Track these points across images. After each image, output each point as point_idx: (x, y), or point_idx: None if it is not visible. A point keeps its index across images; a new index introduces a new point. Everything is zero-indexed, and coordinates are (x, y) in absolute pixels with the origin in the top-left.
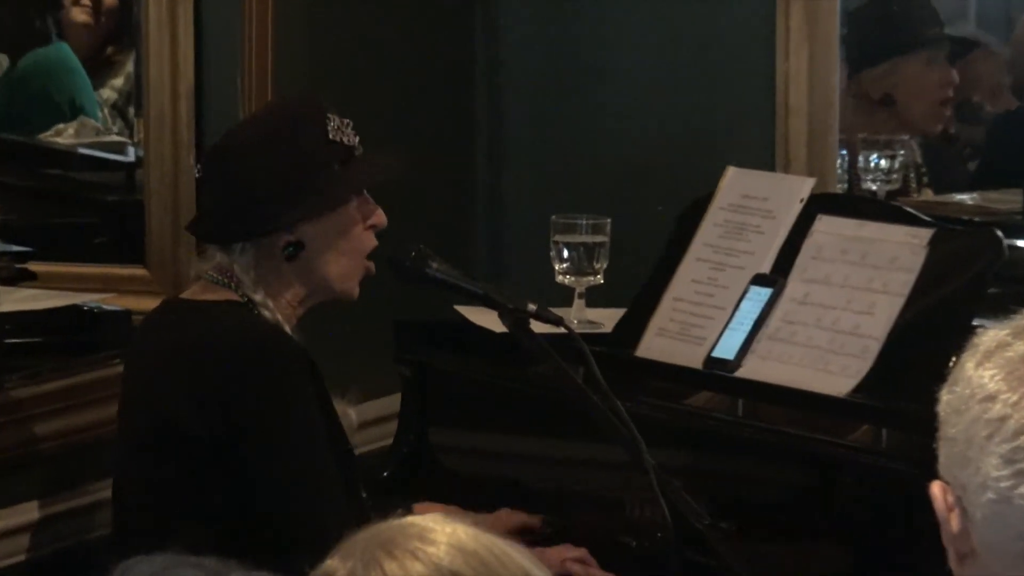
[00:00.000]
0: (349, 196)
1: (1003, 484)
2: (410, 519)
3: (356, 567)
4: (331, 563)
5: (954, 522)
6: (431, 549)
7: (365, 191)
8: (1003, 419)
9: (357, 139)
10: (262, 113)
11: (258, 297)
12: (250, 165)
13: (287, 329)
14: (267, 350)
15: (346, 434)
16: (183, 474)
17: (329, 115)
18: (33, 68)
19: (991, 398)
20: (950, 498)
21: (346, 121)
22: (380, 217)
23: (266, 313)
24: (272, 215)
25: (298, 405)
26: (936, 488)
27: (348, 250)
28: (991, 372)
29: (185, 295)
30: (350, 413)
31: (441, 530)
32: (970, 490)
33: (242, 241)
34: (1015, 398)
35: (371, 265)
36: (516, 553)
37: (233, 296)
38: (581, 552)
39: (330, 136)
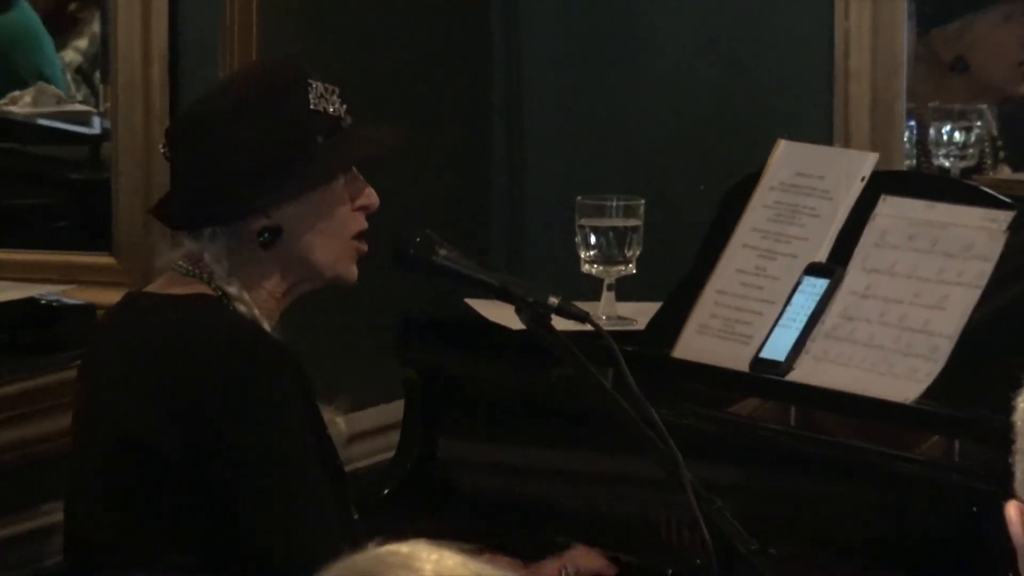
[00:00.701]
0: (333, 174)
1: None
2: (390, 547)
3: None
4: None
5: None
6: None
7: (354, 168)
8: None
9: (344, 108)
10: (233, 80)
11: (232, 289)
12: (219, 139)
13: (266, 326)
14: (246, 350)
15: (335, 447)
16: (148, 494)
17: (311, 81)
18: None
19: None
20: None
21: (331, 88)
22: (371, 197)
23: (241, 307)
24: (244, 197)
25: (283, 413)
26: (1012, 509)
27: (332, 231)
28: None
29: (150, 288)
30: (338, 423)
31: (426, 557)
32: None
33: (211, 226)
34: None
35: (361, 245)
36: None
37: (205, 289)
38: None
39: (312, 105)
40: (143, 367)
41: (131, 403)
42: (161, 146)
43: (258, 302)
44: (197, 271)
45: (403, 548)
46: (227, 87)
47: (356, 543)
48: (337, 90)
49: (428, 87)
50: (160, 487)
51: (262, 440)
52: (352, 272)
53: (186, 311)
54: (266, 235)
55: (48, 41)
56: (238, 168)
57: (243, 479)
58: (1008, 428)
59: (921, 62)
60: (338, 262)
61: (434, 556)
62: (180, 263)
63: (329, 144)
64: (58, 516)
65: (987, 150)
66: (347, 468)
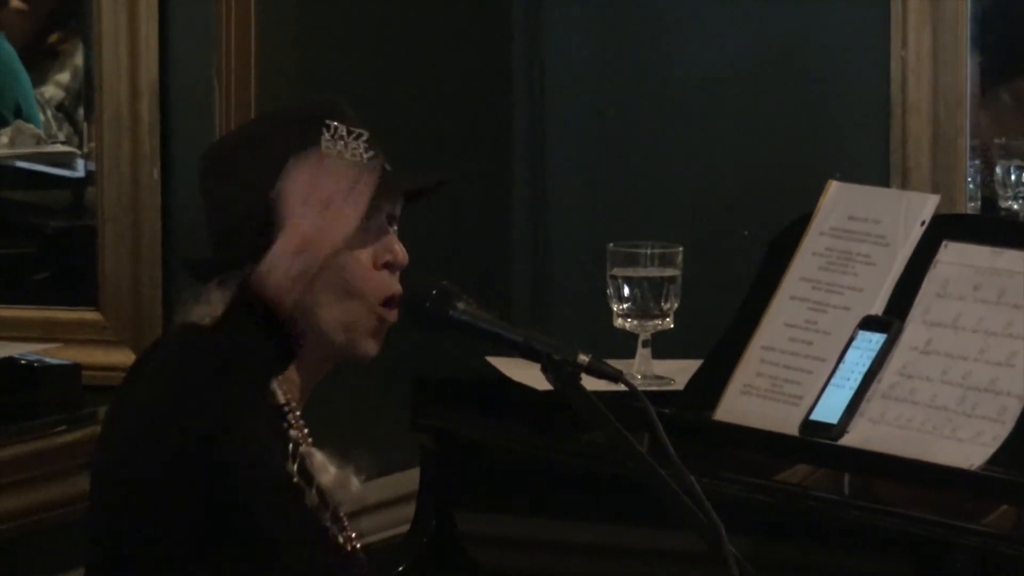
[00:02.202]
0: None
1: None
2: None
3: None
4: None
5: None
6: None
7: (386, 220)
8: None
9: (369, 155)
10: (255, 119)
11: None
12: (220, 179)
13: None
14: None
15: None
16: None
17: (330, 122)
18: None
19: None
20: None
21: (357, 132)
22: (394, 252)
23: None
24: (238, 240)
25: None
26: None
27: (351, 292)
28: None
29: None
30: (352, 482)
31: None
32: None
33: (215, 275)
34: None
35: (391, 312)
36: None
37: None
38: None
39: (322, 147)
40: (118, 400)
41: (105, 438)
42: None
43: None
44: None
45: None
46: (242, 126)
47: None
48: (365, 135)
49: (442, 125)
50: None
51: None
52: (367, 345)
53: (172, 340)
54: None
55: (25, 76)
56: (233, 212)
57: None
58: None
59: (1009, 98)
60: (353, 328)
61: None
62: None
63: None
64: None
65: None
66: (359, 543)
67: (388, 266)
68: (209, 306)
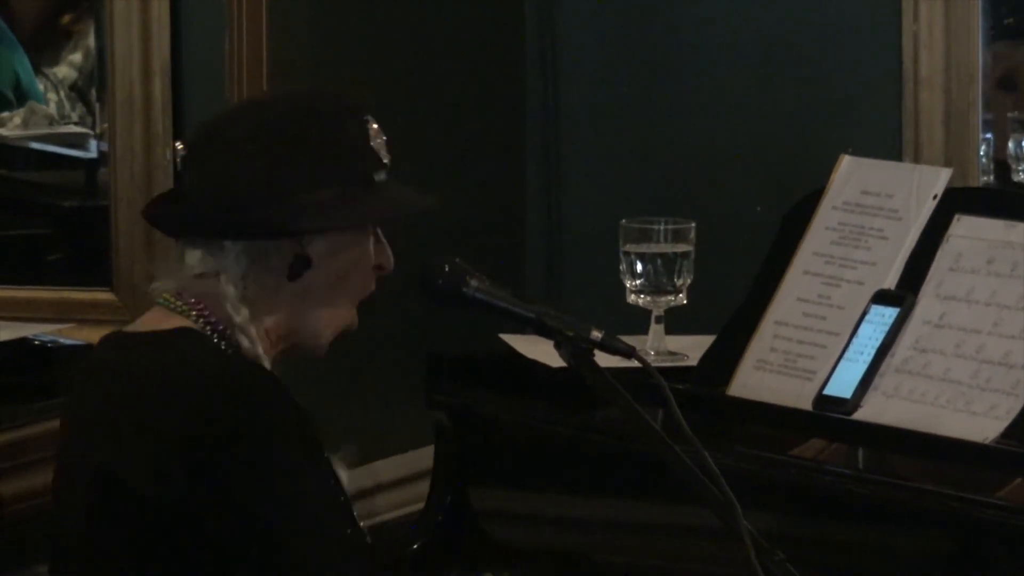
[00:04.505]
0: (379, 218)
1: None
2: None
3: None
4: None
5: None
6: None
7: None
8: None
9: (388, 158)
10: (295, 91)
11: (239, 318)
12: (272, 140)
13: (266, 363)
14: (242, 387)
15: (351, 510)
16: (139, 549)
17: (369, 118)
18: None
19: None
20: None
21: (382, 135)
22: (390, 259)
23: (244, 340)
24: (289, 213)
25: (288, 453)
26: None
27: (352, 286)
28: None
29: (132, 328)
30: (341, 476)
31: None
32: None
33: (242, 239)
34: None
35: (355, 318)
36: None
37: (189, 324)
38: None
39: (370, 141)
40: (130, 411)
41: (118, 452)
42: (179, 151)
43: (260, 338)
44: (185, 306)
45: None
46: (288, 95)
47: None
48: (386, 139)
49: (456, 102)
50: (153, 540)
51: (270, 483)
52: (328, 343)
53: (171, 348)
54: (297, 265)
55: (19, 49)
56: (287, 176)
57: (257, 529)
58: None
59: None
60: (332, 322)
61: None
62: (167, 297)
63: (373, 187)
64: None
65: None
66: (373, 520)
67: (379, 268)
68: (183, 269)
